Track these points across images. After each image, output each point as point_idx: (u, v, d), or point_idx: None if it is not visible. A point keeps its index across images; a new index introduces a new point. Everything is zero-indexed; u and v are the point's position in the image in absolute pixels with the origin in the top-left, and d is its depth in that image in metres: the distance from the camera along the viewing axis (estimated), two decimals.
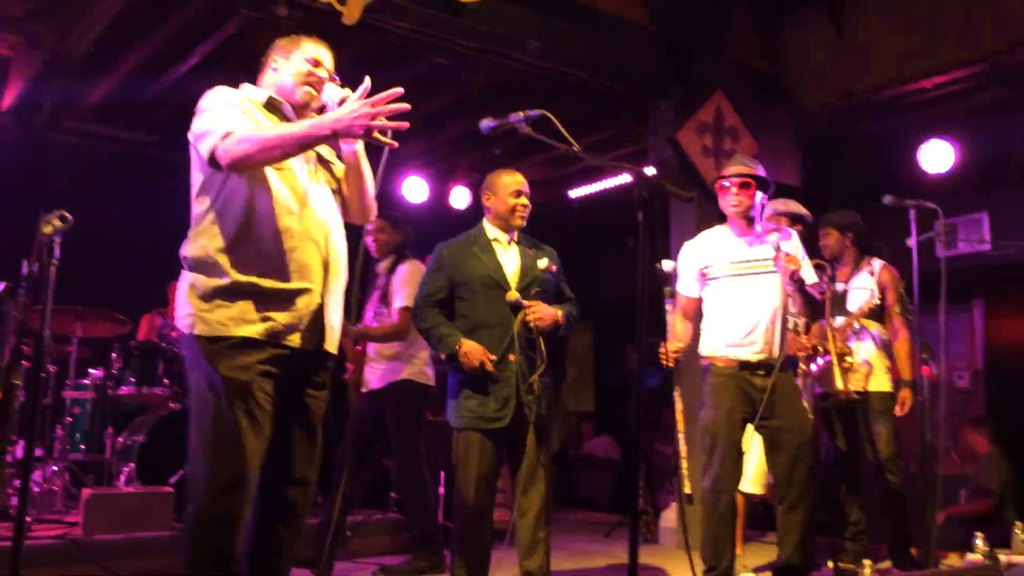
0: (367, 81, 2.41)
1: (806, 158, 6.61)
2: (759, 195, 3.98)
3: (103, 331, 5.54)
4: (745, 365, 3.83)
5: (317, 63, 2.67)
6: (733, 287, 3.90)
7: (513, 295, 3.54)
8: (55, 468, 5.01)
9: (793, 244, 3.94)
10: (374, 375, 4.68)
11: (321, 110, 2.67)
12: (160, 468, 4.81)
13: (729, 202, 3.96)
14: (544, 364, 3.52)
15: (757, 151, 6.08)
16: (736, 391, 3.83)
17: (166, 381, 5.25)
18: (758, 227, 3.98)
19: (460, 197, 8.07)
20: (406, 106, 2.33)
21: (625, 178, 7.48)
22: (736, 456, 3.86)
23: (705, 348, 3.98)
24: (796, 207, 4.77)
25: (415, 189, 7.65)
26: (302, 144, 2.42)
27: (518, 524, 3.57)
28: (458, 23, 5.02)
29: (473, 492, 3.51)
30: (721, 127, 5.96)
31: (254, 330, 2.42)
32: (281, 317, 2.46)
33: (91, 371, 5.50)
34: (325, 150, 2.74)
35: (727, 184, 3.95)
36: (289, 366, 2.50)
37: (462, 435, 3.56)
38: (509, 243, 3.71)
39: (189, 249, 2.51)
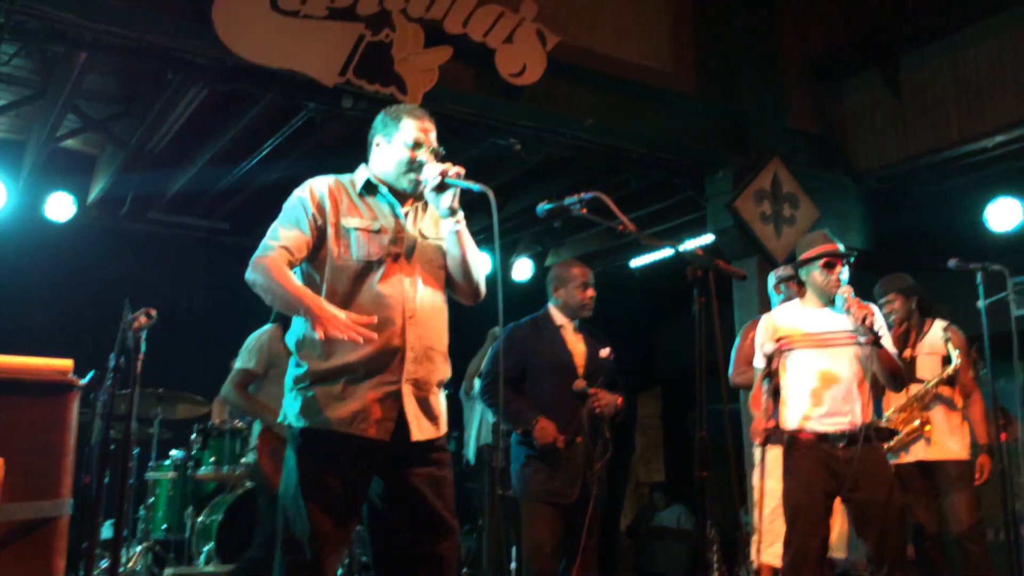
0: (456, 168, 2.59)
1: (870, 221, 6.57)
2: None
3: (183, 412, 5.75)
4: (825, 437, 3.74)
5: (418, 144, 2.62)
6: (811, 359, 3.82)
7: (581, 383, 3.74)
8: (138, 548, 5.16)
9: (878, 319, 3.81)
10: None
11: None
12: (238, 546, 4.89)
13: (832, 280, 3.78)
14: (610, 451, 3.72)
15: (818, 216, 6.08)
16: (818, 464, 3.73)
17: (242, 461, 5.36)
18: (837, 299, 3.79)
19: (522, 269, 8.23)
20: (371, 334, 2.36)
21: (686, 244, 7.50)
22: (819, 531, 3.73)
23: (786, 421, 3.90)
24: None
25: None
26: (289, 305, 2.45)
27: None
28: (516, 105, 5.19)
29: (544, 561, 3.66)
30: (779, 193, 5.98)
31: (322, 421, 2.46)
32: (347, 408, 2.45)
33: (172, 452, 5.65)
34: (429, 227, 2.70)
35: (832, 263, 3.78)
36: (369, 454, 2.48)
37: (533, 507, 3.69)
38: (575, 331, 3.89)
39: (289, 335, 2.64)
